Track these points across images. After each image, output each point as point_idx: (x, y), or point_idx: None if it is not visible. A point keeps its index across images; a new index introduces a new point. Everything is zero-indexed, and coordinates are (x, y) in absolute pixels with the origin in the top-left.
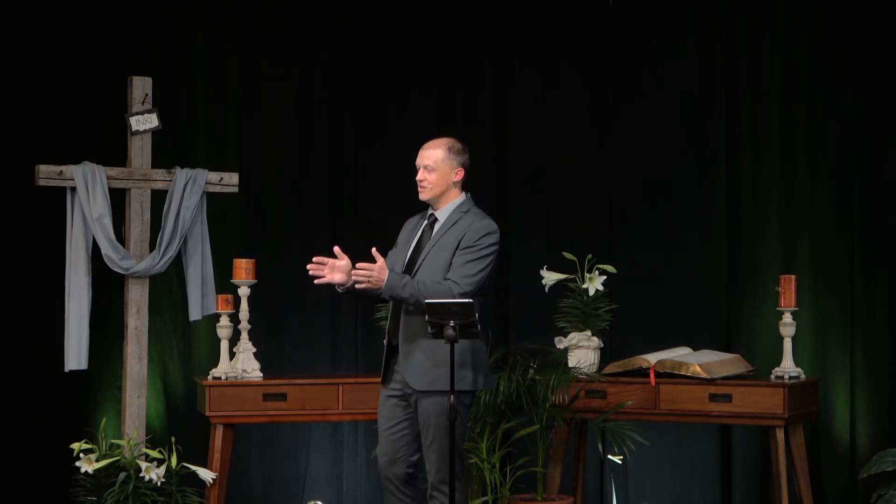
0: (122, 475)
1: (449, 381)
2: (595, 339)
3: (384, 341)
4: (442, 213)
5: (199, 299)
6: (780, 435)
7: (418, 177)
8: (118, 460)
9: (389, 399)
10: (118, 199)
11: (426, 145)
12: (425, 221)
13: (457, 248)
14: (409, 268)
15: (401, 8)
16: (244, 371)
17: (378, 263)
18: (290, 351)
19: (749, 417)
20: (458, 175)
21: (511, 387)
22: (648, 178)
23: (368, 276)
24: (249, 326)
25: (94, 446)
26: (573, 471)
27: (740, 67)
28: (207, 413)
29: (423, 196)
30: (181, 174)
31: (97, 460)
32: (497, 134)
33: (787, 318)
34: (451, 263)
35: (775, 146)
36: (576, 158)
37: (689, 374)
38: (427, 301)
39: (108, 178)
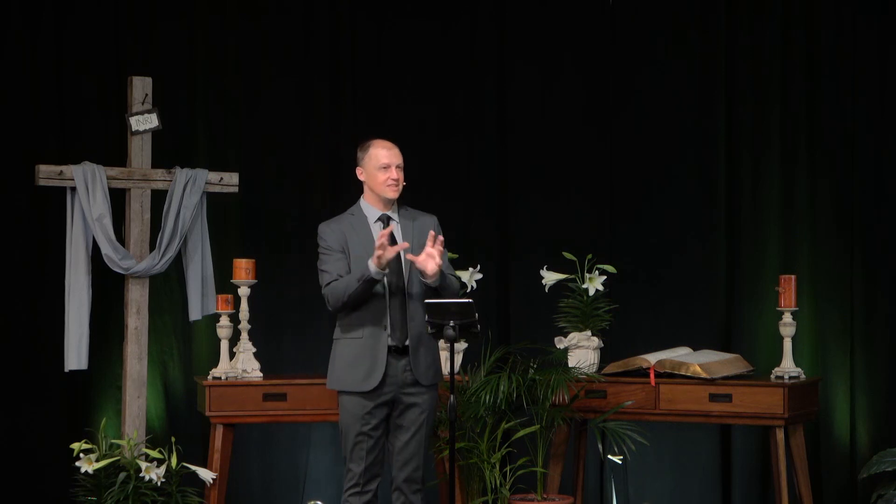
0: (122, 475)
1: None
2: (595, 339)
3: (380, 347)
4: (393, 214)
5: (199, 299)
6: (780, 435)
7: (394, 175)
8: (118, 460)
9: (378, 408)
10: (118, 199)
11: (389, 144)
12: (378, 223)
13: None
14: (397, 269)
15: (401, 8)
16: (244, 371)
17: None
18: (290, 351)
19: (749, 417)
20: None
21: (511, 387)
22: (648, 178)
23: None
24: (249, 326)
25: (94, 446)
26: (573, 471)
27: (740, 67)
28: (207, 413)
29: (394, 194)
30: (181, 174)
31: (97, 460)
32: (497, 134)
33: (787, 318)
34: None
35: (775, 146)
36: (576, 158)
37: (689, 374)
38: (427, 301)
39: (108, 178)
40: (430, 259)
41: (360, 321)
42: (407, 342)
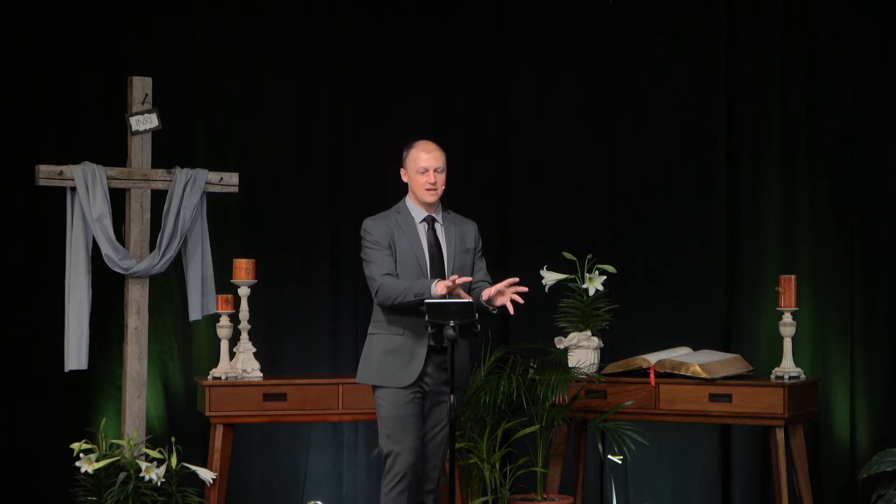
0: (122, 475)
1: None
2: (595, 339)
3: (420, 345)
4: (438, 216)
5: (199, 299)
6: (780, 435)
7: (431, 180)
8: (118, 460)
9: (416, 397)
10: (118, 199)
11: (431, 147)
12: (423, 224)
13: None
14: (440, 270)
15: (401, 8)
16: (244, 371)
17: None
18: (290, 351)
19: (749, 417)
20: None
21: (511, 387)
22: (648, 178)
23: None
24: (249, 326)
25: (94, 446)
26: (573, 471)
27: (740, 67)
28: (207, 413)
29: (432, 199)
30: (181, 174)
31: (97, 460)
32: (497, 134)
33: (787, 318)
34: (473, 265)
35: (775, 146)
36: (576, 158)
37: (689, 374)
38: (427, 301)
39: (108, 178)
40: (501, 296)
41: (401, 319)
42: (445, 343)
